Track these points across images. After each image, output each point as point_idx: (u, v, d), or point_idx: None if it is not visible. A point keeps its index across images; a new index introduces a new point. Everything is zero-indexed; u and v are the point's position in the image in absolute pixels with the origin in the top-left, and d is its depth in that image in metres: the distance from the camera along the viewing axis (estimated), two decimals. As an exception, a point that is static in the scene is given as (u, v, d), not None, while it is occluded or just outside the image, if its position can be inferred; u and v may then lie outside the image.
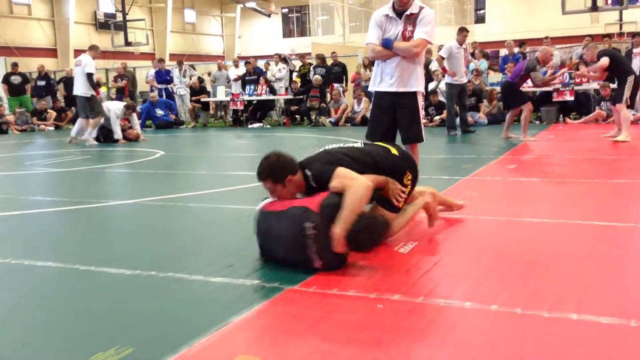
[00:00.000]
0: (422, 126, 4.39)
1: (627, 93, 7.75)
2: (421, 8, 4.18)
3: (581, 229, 3.64)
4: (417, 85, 4.28)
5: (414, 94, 4.29)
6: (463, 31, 9.80)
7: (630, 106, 8.03)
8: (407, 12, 4.16)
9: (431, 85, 12.59)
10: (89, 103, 10.43)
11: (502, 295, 2.50)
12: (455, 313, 2.36)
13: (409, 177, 3.38)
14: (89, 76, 10.35)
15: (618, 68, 7.93)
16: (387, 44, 4.20)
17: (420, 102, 4.36)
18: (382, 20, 4.25)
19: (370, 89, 4.57)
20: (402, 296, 2.54)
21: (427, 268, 2.95)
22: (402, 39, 4.18)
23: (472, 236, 3.56)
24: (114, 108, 10.84)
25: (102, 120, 10.71)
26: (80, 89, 10.49)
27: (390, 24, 4.22)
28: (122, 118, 10.91)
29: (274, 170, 3.06)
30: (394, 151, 3.47)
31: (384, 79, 4.32)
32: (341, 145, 3.42)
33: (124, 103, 11.24)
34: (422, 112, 4.39)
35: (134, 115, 11.19)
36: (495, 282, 2.70)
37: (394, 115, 4.34)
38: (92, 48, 10.82)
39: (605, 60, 7.77)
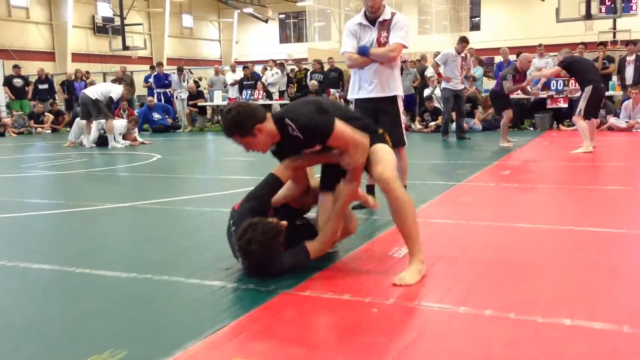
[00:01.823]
0: (404, 129, 4.45)
1: (581, 104, 7.59)
2: (393, 14, 4.25)
3: (574, 234, 3.66)
4: (396, 89, 4.34)
5: (394, 98, 4.34)
6: (463, 42, 9.90)
7: (593, 116, 7.79)
8: (380, 19, 4.22)
9: (427, 92, 12.65)
10: (95, 105, 10.50)
11: (496, 300, 2.52)
12: (449, 318, 2.38)
13: (386, 135, 3.14)
14: (110, 99, 10.64)
15: (577, 78, 7.91)
16: (363, 51, 4.24)
17: (401, 106, 4.42)
18: (356, 29, 4.30)
19: (349, 97, 4.60)
20: (396, 300, 2.56)
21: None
22: (378, 45, 4.23)
23: (466, 241, 3.57)
24: (117, 126, 10.96)
25: (103, 124, 10.76)
26: (92, 91, 10.67)
27: (365, 32, 4.27)
28: (126, 133, 11.07)
29: (238, 123, 2.80)
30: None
31: (363, 86, 4.37)
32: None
33: (126, 120, 11.36)
34: (402, 117, 4.45)
35: (135, 129, 11.47)
36: (489, 287, 2.72)
37: (375, 120, 4.38)
38: (127, 88, 11.44)
39: (556, 68, 8.02)
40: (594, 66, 8.05)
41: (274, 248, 2.82)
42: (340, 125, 2.78)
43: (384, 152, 2.95)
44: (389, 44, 4.20)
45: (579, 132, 7.83)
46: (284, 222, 2.87)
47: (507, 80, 8.68)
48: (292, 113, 2.86)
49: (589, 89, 7.55)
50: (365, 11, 4.27)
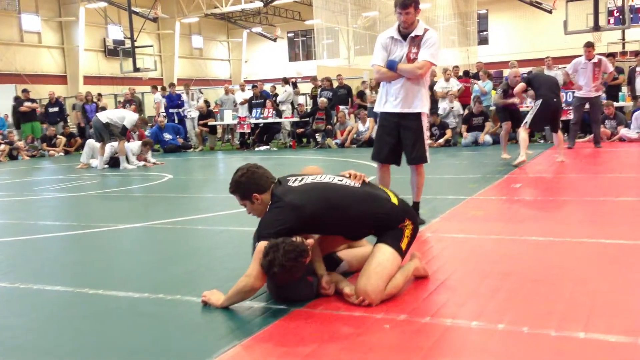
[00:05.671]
0: (427, 147, 4.40)
1: (528, 117, 7.92)
2: (426, 30, 4.23)
3: (587, 247, 3.63)
4: (421, 106, 4.30)
5: (418, 115, 4.31)
6: (587, 46, 9.54)
7: (538, 128, 8.21)
8: (412, 34, 4.21)
9: (444, 106, 12.51)
10: (106, 128, 10.71)
11: (509, 315, 2.51)
12: (462, 333, 2.37)
13: (409, 227, 2.95)
14: (123, 127, 10.82)
15: (534, 92, 8.10)
16: (391, 65, 4.24)
17: (425, 123, 4.37)
18: (388, 42, 4.30)
19: (375, 109, 4.61)
20: (408, 316, 2.55)
21: (433, 288, 2.95)
22: (407, 60, 4.22)
23: (478, 255, 3.56)
24: (131, 147, 11.14)
25: (113, 148, 10.91)
26: (104, 115, 10.88)
27: (396, 46, 4.27)
28: (138, 155, 11.17)
29: (239, 186, 2.93)
30: (393, 199, 2.99)
31: (389, 100, 4.36)
32: (337, 180, 2.98)
33: (140, 142, 11.49)
34: (426, 133, 4.40)
35: (149, 151, 11.53)
36: (502, 301, 2.70)
37: (398, 135, 4.37)
38: (142, 120, 11.67)
39: (521, 85, 8.09)
40: (553, 83, 8.06)
41: (298, 270, 2.65)
42: (260, 246, 2.72)
43: (377, 263, 2.80)
44: (418, 60, 4.19)
45: (558, 142, 8.08)
46: (310, 241, 2.76)
47: (498, 94, 8.90)
48: (273, 205, 2.85)
49: (538, 103, 7.85)
50: (398, 25, 4.26)
